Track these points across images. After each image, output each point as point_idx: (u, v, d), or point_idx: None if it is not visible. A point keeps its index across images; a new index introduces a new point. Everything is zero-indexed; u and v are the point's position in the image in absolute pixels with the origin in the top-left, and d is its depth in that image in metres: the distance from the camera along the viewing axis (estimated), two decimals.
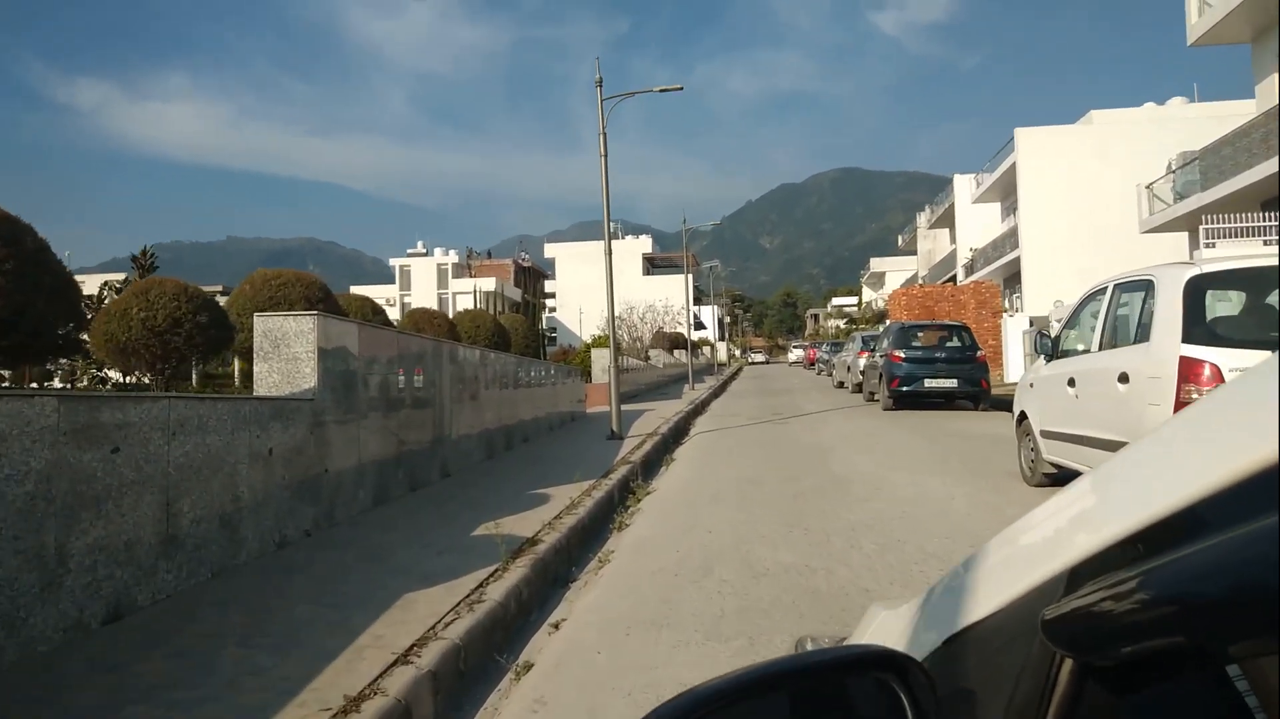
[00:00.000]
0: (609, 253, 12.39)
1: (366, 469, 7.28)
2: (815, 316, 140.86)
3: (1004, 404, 16.62)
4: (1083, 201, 34.79)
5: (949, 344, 16.61)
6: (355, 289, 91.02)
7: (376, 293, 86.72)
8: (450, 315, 16.93)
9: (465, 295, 74.82)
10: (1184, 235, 23.99)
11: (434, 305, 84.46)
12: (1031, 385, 7.82)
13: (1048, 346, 7.51)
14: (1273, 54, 19.71)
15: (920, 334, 17.09)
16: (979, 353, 16.12)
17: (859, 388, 21.96)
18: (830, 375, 35.53)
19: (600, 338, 22.10)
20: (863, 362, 21.60)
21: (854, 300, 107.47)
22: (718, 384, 30.73)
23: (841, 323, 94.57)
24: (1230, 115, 33.73)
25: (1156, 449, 0.63)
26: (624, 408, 19.23)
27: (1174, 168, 23.13)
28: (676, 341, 42.89)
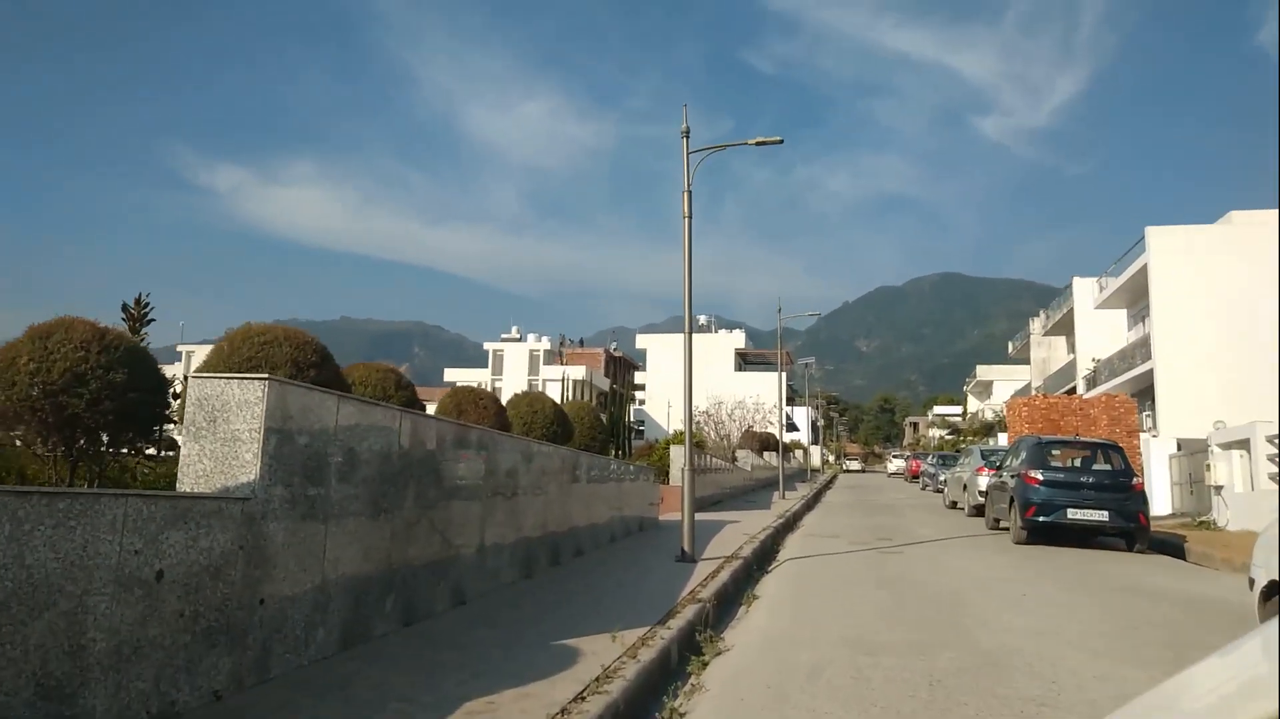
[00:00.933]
0: (689, 331, 10.42)
1: (333, 595, 5.31)
2: (914, 425, 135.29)
3: (1166, 546, 13.65)
4: (1226, 309, 31.27)
5: (1097, 467, 13.84)
6: (451, 372, 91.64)
7: (470, 377, 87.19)
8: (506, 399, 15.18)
9: (555, 383, 74.03)
10: None
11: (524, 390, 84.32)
12: None
13: None
14: None
15: (1060, 452, 14.38)
16: (1136, 480, 13.30)
17: (978, 511, 19.06)
18: (939, 492, 32.28)
19: (681, 433, 19.96)
20: (983, 480, 18.79)
21: (958, 410, 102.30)
22: (811, 494, 28.02)
23: (944, 433, 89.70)
24: None
25: None
26: (703, 517, 16.90)
27: None
28: (767, 443, 40.30)
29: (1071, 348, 48.56)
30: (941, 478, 33.25)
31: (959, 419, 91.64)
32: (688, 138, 10.52)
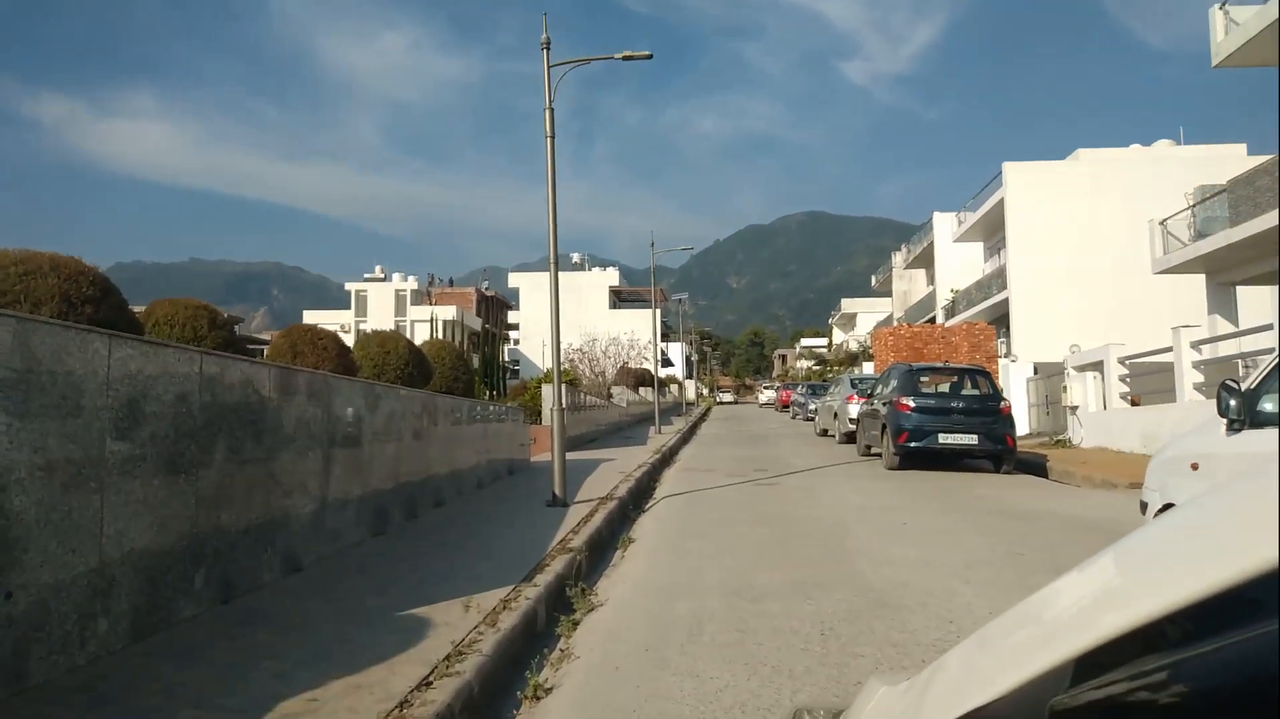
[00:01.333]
0: (554, 261, 9.58)
1: (118, 577, 4.34)
2: (783, 357, 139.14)
3: (1030, 465, 14.00)
4: (1076, 241, 32.80)
5: (966, 392, 13.97)
6: (310, 314, 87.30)
7: (331, 318, 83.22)
8: (358, 340, 14.08)
9: (424, 324, 71.56)
10: (1201, 278, 21.85)
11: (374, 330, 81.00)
12: (1196, 467, 5.04)
13: (1239, 408, 4.67)
14: None
15: (930, 379, 14.45)
16: (1003, 403, 13.48)
17: (850, 438, 19.26)
18: (809, 420, 32.89)
19: (549, 375, 19.23)
20: (854, 408, 18.95)
21: (823, 342, 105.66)
22: (687, 427, 27.93)
23: (811, 364, 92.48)
24: (1224, 158, 32.12)
25: (1174, 539, 0.59)
26: (579, 456, 16.30)
27: (1193, 202, 20.98)
28: (642, 379, 40.08)
29: (931, 280, 50.32)
30: (811, 407, 33.90)
31: (825, 350, 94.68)
32: (548, 50, 9.52)
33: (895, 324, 30.24)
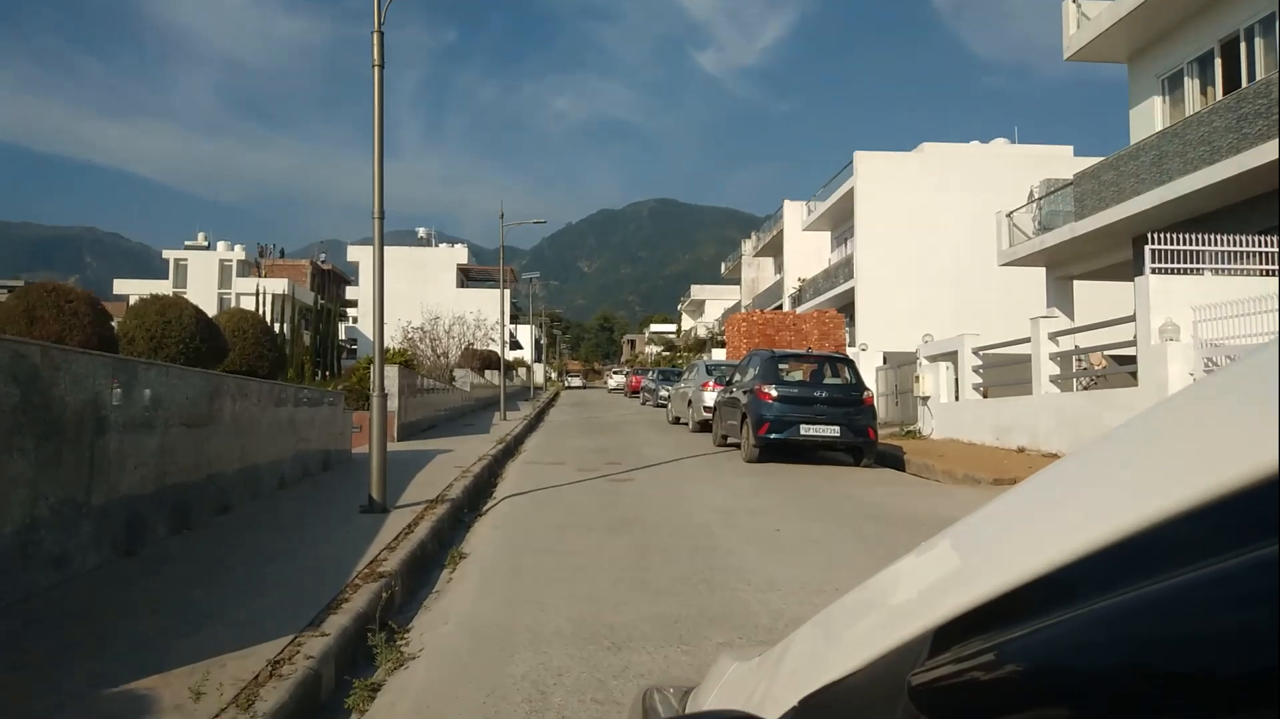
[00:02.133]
0: (379, 215, 7.97)
1: None
2: (631, 343, 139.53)
3: (887, 459, 13.54)
4: (921, 232, 33.58)
5: (829, 381, 13.32)
6: (122, 284, 79.53)
7: (147, 289, 76.01)
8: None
9: (251, 298, 66.35)
10: (1041, 272, 22.50)
11: (213, 306, 74.68)
12: None
13: None
14: (1150, 76, 18.21)
15: (792, 366, 13.73)
16: (866, 393, 12.90)
17: (704, 426, 18.46)
18: (660, 407, 32.17)
19: (387, 352, 17.35)
20: (709, 396, 18.15)
21: (672, 328, 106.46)
22: (534, 413, 26.50)
23: (660, 349, 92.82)
24: (1055, 157, 33.79)
25: (1038, 494, 0.60)
26: (413, 446, 14.63)
27: (1039, 195, 21.47)
28: (489, 361, 38.23)
29: (779, 268, 50.97)
30: (662, 393, 33.22)
31: (674, 336, 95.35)
32: None
33: (743, 310, 29.98)
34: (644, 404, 36.67)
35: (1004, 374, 16.29)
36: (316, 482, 9.99)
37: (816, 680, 0.74)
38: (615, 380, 64.33)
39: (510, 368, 59.34)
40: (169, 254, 77.08)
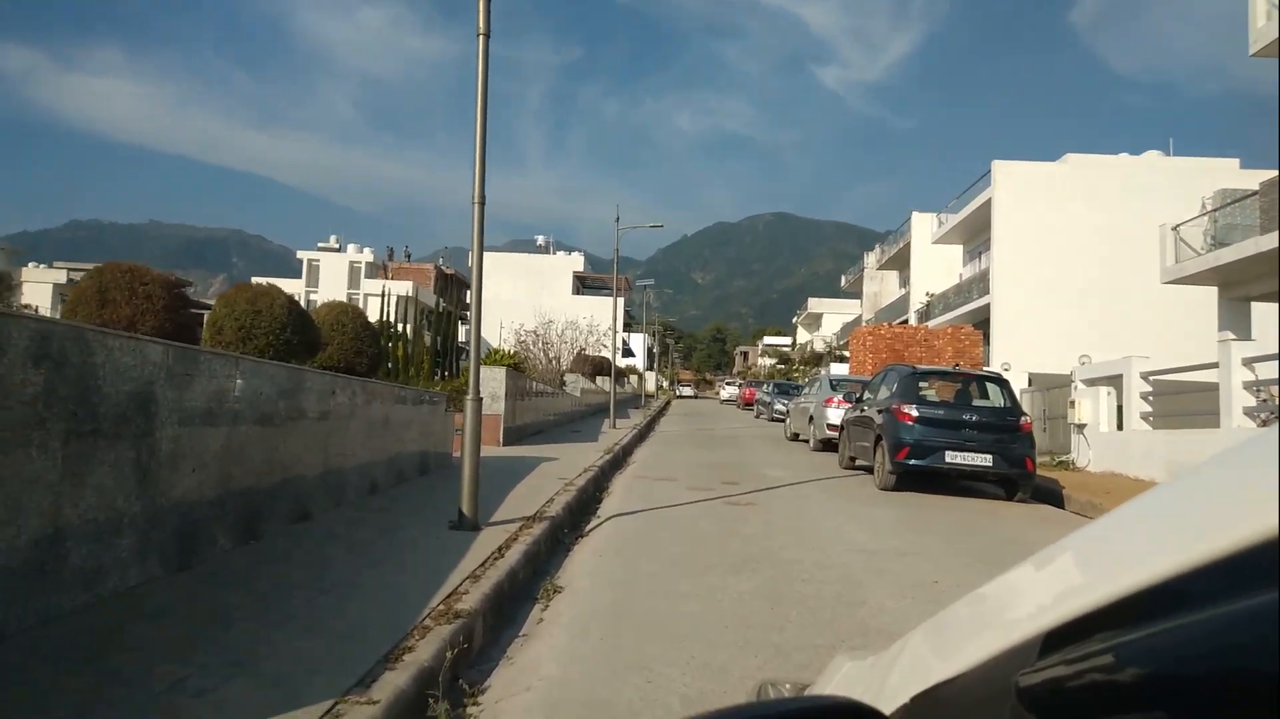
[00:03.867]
0: (479, 200, 7.05)
1: None
2: (744, 354, 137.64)
3: (1042, 493, 11.87)
4: (1065, 247, 30.99)
5: (978, 403, 11.77)
6: (258, 281, 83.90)
7: (282, 286, 79.58)
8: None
9: (377, 298, 68.30)
10: (1211, 291, 20.04)
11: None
12: None
13: None
14: None
15: (935, 384, 12.23)
16: (1024, 419, 11.31)
17: (827, 445, 17.05)
18: (775, 421, 30.72)
19: (497, 353, 16.71)
20: (833, 413, 16.75)
21: (786, 340, 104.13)
22: (644, 421, 25.54)
23: (773, 362, 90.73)
24: (1217, 169, 30.55)
25: (1146, 514, 0.62)
26: (517, 452, 13.84)
27: (1213, 207, 19.09)
28: (600, 367, 37.61)
29: (904, 282, 48.56)
30: (778, 407, 31.77)
31: (789, 349, 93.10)
32: None
33: (865, 325, 28.20)
34: (758, 417, 35.24)
35: (1176, 403, 14.25)
36: (409, 488, 9.23)
37: (928, 679, 0.77)
38: (728, 391, 62.78)
39: (622, 375, 58.78)
40: (303, 255, 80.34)
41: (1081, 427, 15.31)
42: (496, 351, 16.51)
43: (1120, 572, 0.56)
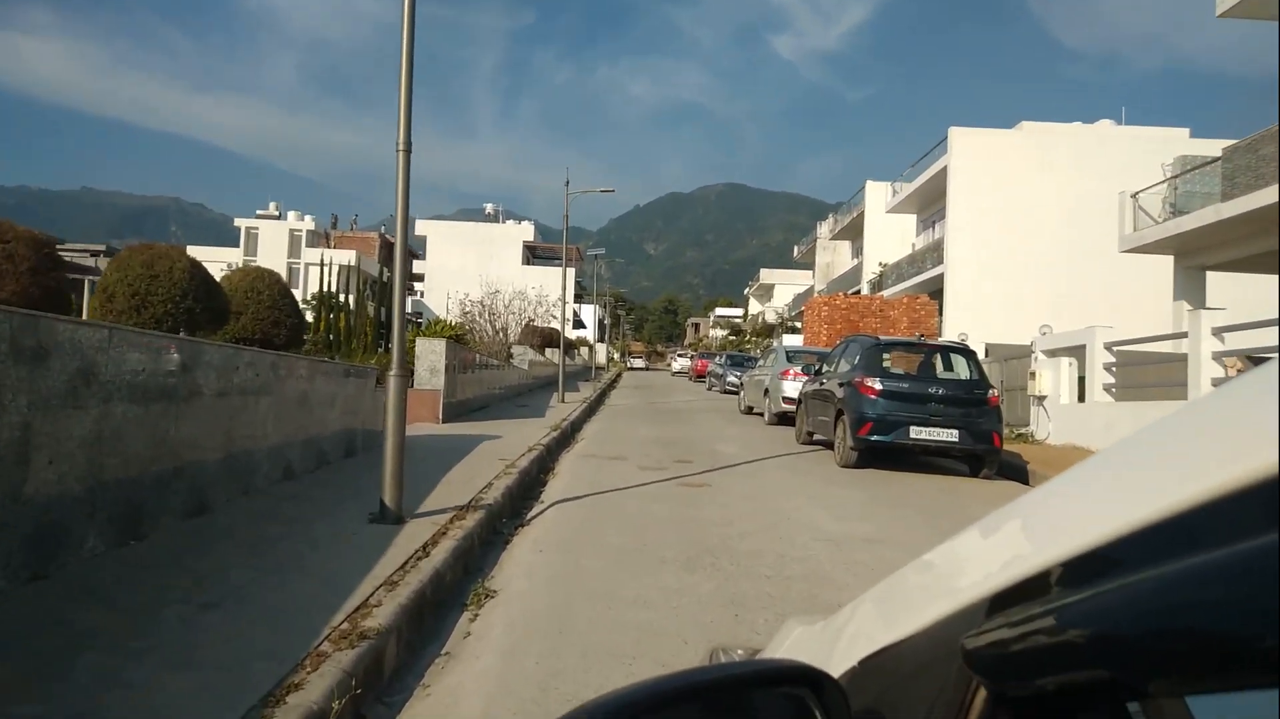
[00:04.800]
0: (404, 148, 6.17)
1: None
2: (695, 325, 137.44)
3: (1008, 468, 11.45)
4: (1020, 216, 30.86)
5: (944, 375, 11.27)
6: (195, 250, 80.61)
7: (219, 256, 76.71)
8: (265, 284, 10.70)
9: (319, 268, 66.06)
10: (1166, 261, 19.89)
11: (282, 275, 74.85)
12: None
13: None
14: None
15: (898, 355, 11.70)
16: (991, 392, 10.83)
17: (783, 419, 16.53)
18: (729, 394, 30.22)
19: (439, 324, 15.83)
20: (789, 386, 16.21)
21: (738, 312, 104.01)
22: (595, 395, 24.81)
23: (725, 333, 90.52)
24: (1169, 139, 30.58)
25: (1083, 479, 0.63)
26: (457, 429, 13.02)
27: (1173, 173, 18.85)
28: (550, 339, 36.70)
29: (857, 252, 48.35)
30: (731, 379, 31.27)
31: (740, 321, 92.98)
32: None
33: (819, 295, 27.74)
34: (710, 389, 34.74)
35: (1140, 375, 13.97)
36: (333, 472, 8.39)
37: (876, 643, 0.79)
38: (679, 363, 62.18)
39: (572, 347, 57.76)
40: (240, 222, 77.62)
41: (1041, 399, 14.99)
42: (439, 322, 15.61)
43: (1055, 539, 0.58)
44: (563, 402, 20.69)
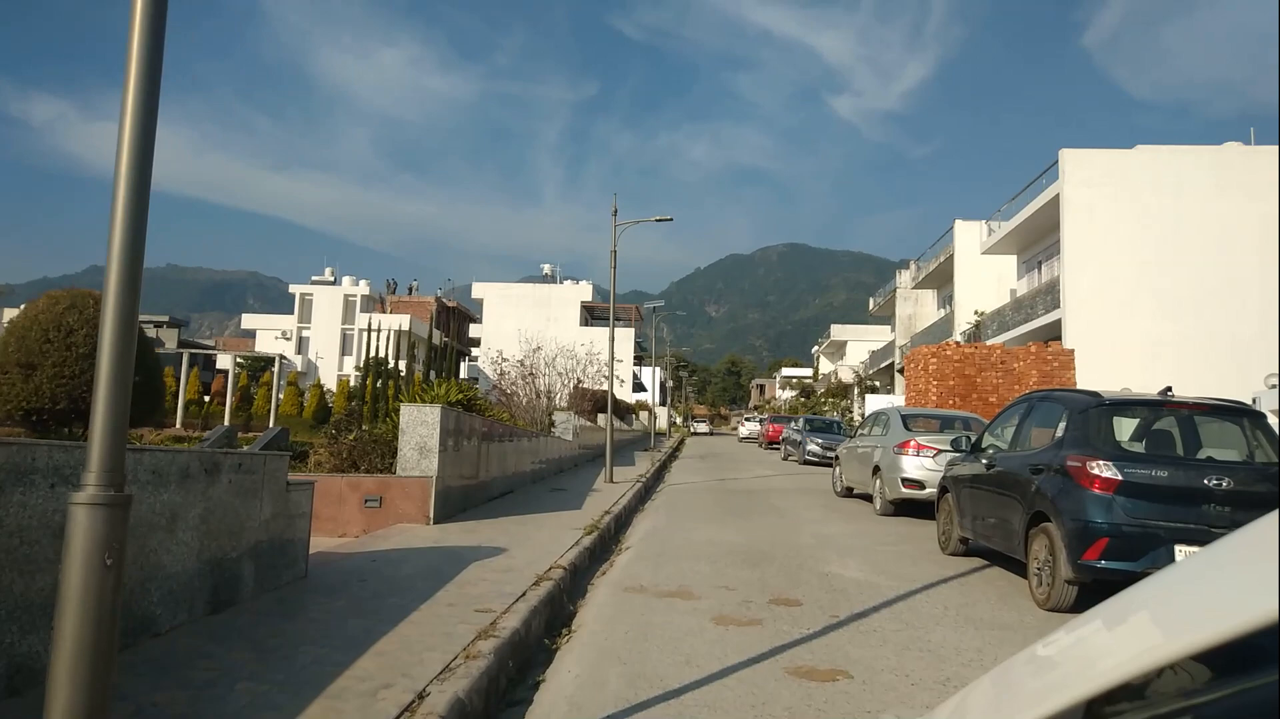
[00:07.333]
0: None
1: None
2: (761, 387, 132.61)
3: None
4: (1151, 249, 26.14)
5: (1215, 454, 6.87)
6: (249, 319, 79.16)
7: (273, 324, 75.24)
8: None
9: (374, 333, 63.61)
10: None
11: (336, 341, 72.79)
12: None
13: None
14: None
15: (1140, 419, 7.34)
16: None
17: (900, 507, 12.18)
18: (809, 464, 25.75)
19: (440, 385, 11.88)
20: (911, 463, 11.87)
21: (807, 372, 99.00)
22: (651, 471, 20.59)
23: (793, 394, 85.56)
24: None
25: (1184, 587, 0.62)
26: (443, 537, 8.58)
27: None
28: (602, 403, 32.75)
29: (945, 301, 43.72)
30: (811, 447, 26.82)
31: (810, 380, 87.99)
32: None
33: (923, 346, 23.33)
34: (786, 459, 30.20)
35: None
36: (174, 642, 4.39)
37: None
38: (747, 428, 57.28)
39: (632, 410, 53.66)
40: (295, 289, 76.40)
41: None
42: (440, 383, 11.66)
43: (1159, 641, 0.56)
44: (610, 482, 16.57)
